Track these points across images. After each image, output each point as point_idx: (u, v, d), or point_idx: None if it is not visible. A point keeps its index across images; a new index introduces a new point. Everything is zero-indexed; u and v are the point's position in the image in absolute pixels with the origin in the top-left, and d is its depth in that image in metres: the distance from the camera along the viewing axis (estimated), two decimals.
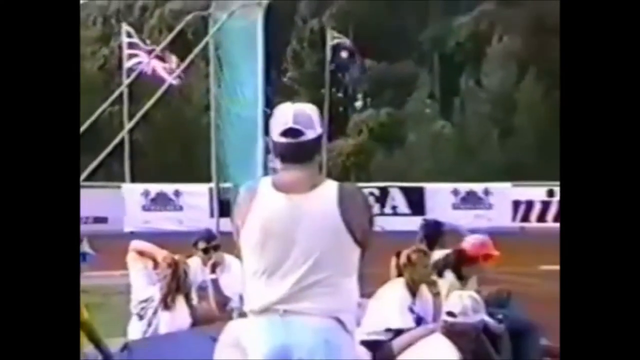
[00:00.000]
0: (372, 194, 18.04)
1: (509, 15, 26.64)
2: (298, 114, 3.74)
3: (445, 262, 6.88)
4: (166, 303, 6.41)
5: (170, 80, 14.16)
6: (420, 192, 19.21)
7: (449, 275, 6.81)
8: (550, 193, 18.35)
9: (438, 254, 7.20)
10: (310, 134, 3.72)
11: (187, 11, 20.30)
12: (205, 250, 7.34)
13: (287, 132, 3.71)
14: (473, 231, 9.66)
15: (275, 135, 3.75)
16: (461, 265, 6.89)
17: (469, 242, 7.23)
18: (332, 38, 23.46)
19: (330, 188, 3.69)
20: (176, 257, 6.61)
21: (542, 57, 25.73)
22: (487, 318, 5.70)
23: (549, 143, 24.54)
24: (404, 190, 19.25)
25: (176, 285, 6.44)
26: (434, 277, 6.48)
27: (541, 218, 18.54)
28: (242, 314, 4.11)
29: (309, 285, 3.63)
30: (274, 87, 9.72)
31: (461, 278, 6.77)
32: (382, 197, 18.85)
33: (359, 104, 30.20)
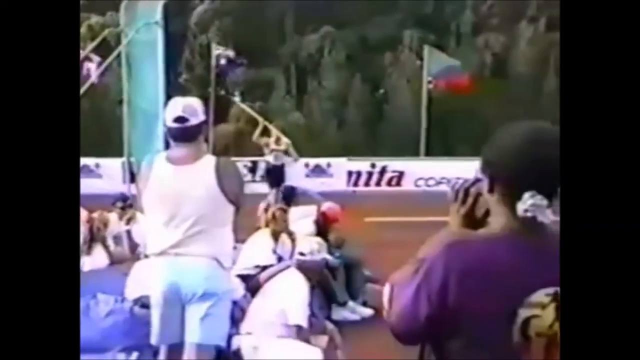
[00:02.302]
0: (246, 166, 17.87)
1: (343, 35, 27.09)
2: (186, 106, 3.65)
3: (316, 222, 7.04)
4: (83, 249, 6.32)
5: (93, 79, 13.52)
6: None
7: (310, 228, 6.90)
8: (372, 165, 18.79)
9: (294, 210, 7.26)
10: (194, 121, 3.64)
11: (108, 25, 19.47)
12: (122, 208, 7.30)
13: (177, 119, 3.62)
14: (320, 194, 9.73)
15: (169, 122, 3.66)
16: (322, 224, 7.07)
17: (329, 208, 7.32)
18: (216, 49, 23.04)
19: (209, 161, 3.62)
20: (94, 214, 6.50)
21: (365, 66, 26.33)
22: (328, 256, 5.75)
23: (372, 129, 25.34)
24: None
25: (91, 236, 6.35)
26: (292, 228, 6.51)
27: (367, 184, 18.88)
28: (146, 256, 4.00)
29: (193, 234, 3.57)
30: (172, 86, 9.50)
31: (322, 233, 6.85)
32: (253, 168, 18.69)
33: (236, 99, 29.83)
